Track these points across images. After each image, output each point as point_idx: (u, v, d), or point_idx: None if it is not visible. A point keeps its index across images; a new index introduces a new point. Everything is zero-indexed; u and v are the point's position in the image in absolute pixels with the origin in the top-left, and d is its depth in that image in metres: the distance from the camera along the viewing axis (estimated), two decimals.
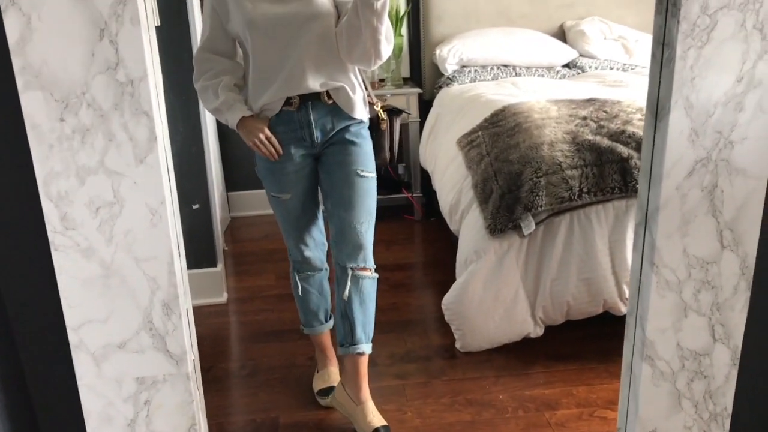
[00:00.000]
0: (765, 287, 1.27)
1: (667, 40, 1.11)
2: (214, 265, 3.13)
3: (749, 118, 1.14)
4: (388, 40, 1.91)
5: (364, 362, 2.19)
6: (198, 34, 2.92)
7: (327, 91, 1.99)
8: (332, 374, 2.39)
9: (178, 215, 1.16)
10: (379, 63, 1.97)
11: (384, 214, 3.98)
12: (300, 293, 2.33)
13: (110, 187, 1.07)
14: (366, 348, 2.17)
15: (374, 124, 2.18)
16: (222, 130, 3.93)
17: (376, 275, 2.17)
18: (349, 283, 2.11)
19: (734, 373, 1.28)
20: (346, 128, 2.06)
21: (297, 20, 1.91)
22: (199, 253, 3.06)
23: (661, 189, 1.16)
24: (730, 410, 1.31)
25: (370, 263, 2.14)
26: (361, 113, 2.08)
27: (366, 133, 2.12)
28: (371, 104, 2.17)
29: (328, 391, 2.33)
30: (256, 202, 4.18)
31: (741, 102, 1.13)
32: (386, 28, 1.87)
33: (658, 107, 1.15)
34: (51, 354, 1.20)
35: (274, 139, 1.99)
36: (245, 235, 3.97)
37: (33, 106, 1.02)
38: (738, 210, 1.18)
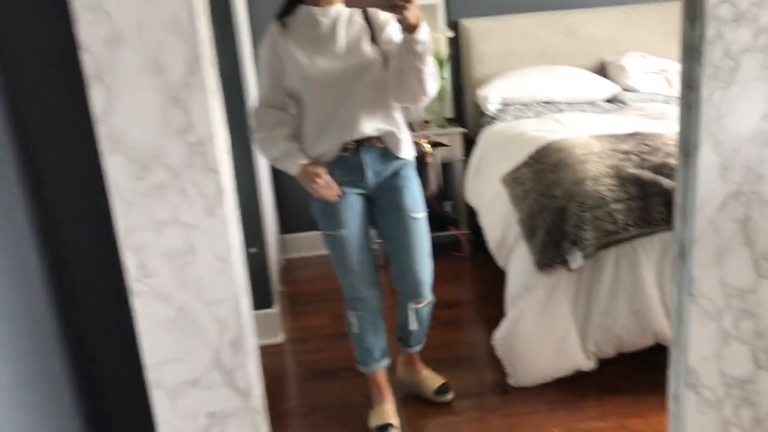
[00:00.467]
0: None
1: (693, 84, 1.18)
2: (270, 306, 3.25)
3: None
4: (433, 78, 2.07)
5: (416, 353, 2.64)
6: (249, 91, 3.10)
7: (380, 137, 2.18)
8: (388, 411, 2.46)
9: (243, 263, 1.27)
10: (426, 100, 2.12)
11: (432, 251, 4.06)
12: (355, 331, 2.44)
13: (183, 239, 1.18)
14: (417, 348, 2.62)
15: (420, 159, 2.37)
16: (276, 176, 4.09)
17: (433, 299, 2.50)
18: (411, 315, 2.46)
19: None
20: (396, 172, 2.25)
21: (350, 72, 2.09)
22: (255, 295, 3.14)
23: (695, 223, 1.22)
24: None
25: (427, 295, 2.44)
26: (408, 152, 2.26)
27: (413, 173, 2.30)
28: (417, 143, 2.36)
29: (384, 428, 2.39)
30: (310, 244, 4.30)
31: None
32: (430, 68, 2.03)
33: (687, 146, 1.22)
34: (131, 391, 1.31)
35: (333, 183, 2.15)
36: (299, 275, 4.09)
37: (115, 167, 1.15)
38: None
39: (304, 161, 2.13)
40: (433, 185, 2.42)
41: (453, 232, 4.08)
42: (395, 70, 2.04)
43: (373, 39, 2.12)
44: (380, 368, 2.50)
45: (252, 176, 3.10)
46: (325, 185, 2.13)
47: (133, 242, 1.18)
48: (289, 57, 2.09)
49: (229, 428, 1.28)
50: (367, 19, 2.12)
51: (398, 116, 2.21)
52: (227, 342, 1.24)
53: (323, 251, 4.45)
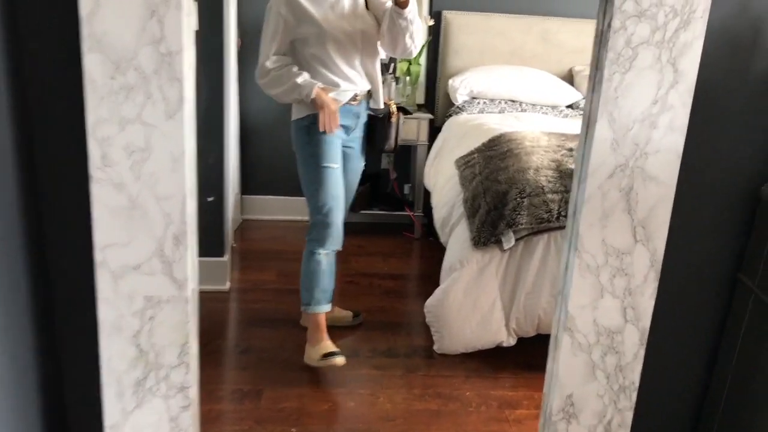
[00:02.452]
0: (671, 279, 1.55)
1: (599, 66, 1.40)
2: (222, 255, 3.42)
3: (661, 135, 1.42)
4: (420, 32, 2.59)
5: None
6: (231, 40, 3.28)
7: (370, 91, 2.67)
8: (330, 344, 2.71)
9: (194, 167, 1.45)
10: (417, 51, 2.64)
11: (386, 229, 4.29)
12: (323, 268, 2.68)
13: (143, 136, 1.37)
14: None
15: (386, 116, 2.76)
16: (244, 136, 4.26)
17: None
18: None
19: (642, 352, 1.54)
20: (363, 125, 2.72)
21: (357, 34, 2.54)
22: (209, 242, 3.36)
23: (586, 186, 1.44)
24: (637, 384, 1.57)
25: None
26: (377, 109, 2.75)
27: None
28: (386, 103, 2.78)
29: (332, 354, 2.65)
30: (268, 207, 4.48)
31: (655, 121, 1.41)
32: (417, 26, 2.53)
33: (589, 119, 1.44)
34: (77, 268, 1.49)
35: (338, 117, 2.51)
36: (254, 235, 4.28)
37: (92, 65, 1.33)
38: (649, 211, 1.46)
39: (321, 85, 2.49)
40: (392, 141, 2.77)
41: (408, 213, 4.29)
42: (390, 32, 2.52)
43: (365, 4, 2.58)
44: (328, 309, 2.76)
45: (221, 129, 3.27)
46: (334, 114, 2.48)
47: (99, 134, 1.37)
48: (302, 11, 2.45)
49: (162, 312, 1.47)
50: None
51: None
52: (170, 235, 1.43)
53: (279, 216, 4.66)
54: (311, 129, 2.54)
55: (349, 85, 2.57)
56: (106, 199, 1.40)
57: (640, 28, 1.36)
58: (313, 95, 2.45)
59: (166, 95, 1.35)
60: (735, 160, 1.53)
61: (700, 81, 1.41)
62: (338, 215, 2.63)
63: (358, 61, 2.58)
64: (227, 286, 3.46)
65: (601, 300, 1.51)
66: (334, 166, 2.58)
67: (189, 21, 1.37)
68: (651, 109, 1.41)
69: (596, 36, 1.42)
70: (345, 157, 2.69)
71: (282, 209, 4.45)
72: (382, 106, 2.71)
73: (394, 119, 2.74)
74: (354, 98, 2.61)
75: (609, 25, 1.36)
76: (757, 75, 1.51)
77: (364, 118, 2.71)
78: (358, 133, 2.72)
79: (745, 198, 1.56)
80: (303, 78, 2.46)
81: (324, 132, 2.50)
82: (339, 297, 3.12)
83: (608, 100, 1.39)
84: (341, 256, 2.82)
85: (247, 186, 4.48)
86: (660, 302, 1.53)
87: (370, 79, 2.65)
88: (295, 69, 2.49)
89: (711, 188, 1.55)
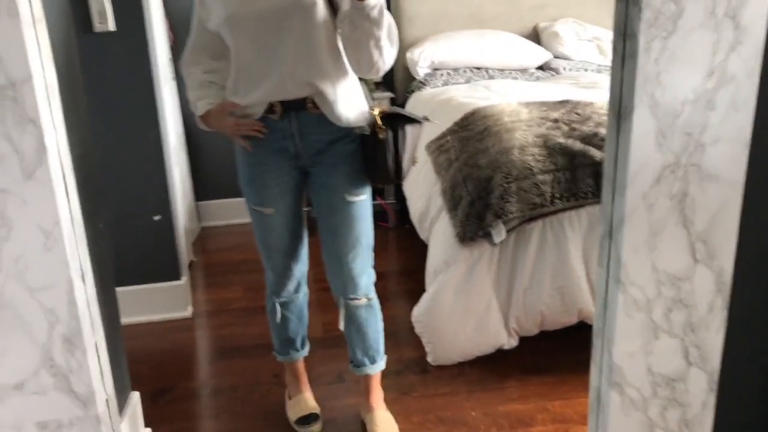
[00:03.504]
0: (743, 305, 1.13)
1: (629, 31, 0.97)
2: (178, 278, 2.97)
3: (722, 118, 1.00)
4: (392, 42, 1.68)
5: (369, 379, 2.15)
6: (156, 38, 2.78)
7: (313, 99, 1.75)
8: (308, 401, 2.19)
9: (81, 236, 1.00)
10: (387, 69, 1.73)
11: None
12: (278, 319, 2.11)
13: None
14: (369, 370, 2.12)
15: (373, 134, 1.81)
16: (190, 138, 3.76)
17: (372, 299, 2.06)
18: (343, 311, 2.03)
19: (712, 399, 1.14)
20: (333, 143, 1.81)
21: (279, 14, 1.66)
22: (161, 266, 2.91)
23: (626, 198, 1.02)
24: None
25: (362, 292, 2.01)
26: (349, 121, 1.79)
27: (354, 146, 1.84)
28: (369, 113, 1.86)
29: (307, 419, 2.13)
30: (228, 212, 4.03)
31: (712, 99, 0.99)
32: (388, 31, 1.65)
33: (620, 106, 1.01)
34: None
35: (247, 120, 1.76)
36: (215, 245, 3.81)
37: None
38: (711, 220, 1.04)
39: (209, 106, 1.80)
40: (390, 168, 1.84)
41: (379, 201, 3.86)
42: (350, 39, 1.66)
43: None
44: (300, 358, 2.22)
45: (158, 135, 2.78)
46: (246, 124, 1.75)
47: None
48: None
49: None
50: None
51: (339, 73, 1.76)
52: (59, 337, 0.98)
53: (240, 219, 4.15)
54: (241, 154, 1.87)
55: (252, 97, 1.76)
56: None
57: None
58: (200, 112, 1.81)
59: (17, 146, 0.89)
60: None
61: None
62: (280, 263, 2.00)
63: (280, 56, 1.70)
64: (189, 311, 3.00)
65: (655, 342, 1.10)
66: (266, 210, 1.89)
67: (39, 31, 0.91)
68: (705, 83, 0.98)
69: None
70: (316, 192, 1.91)
71: (243, 211, 3.97)
72: (340, 122, 1.77)
73: (381, 136, 1.78)
74: (271, 110, 1.76)
75: None
76: None
77: (319, 136, 1.80)
78: (325, 156, 1.83)
79: None
80: (197, 94, 1.83)
81: (253, 154, 1.81)
82: (310, 306, 2.54)
83: (648, 79, 0.96)
84: (312, 259, 2.16)
85: (202, 191, 3.99)
86: (732, 336, 1.12)
87: (310, 84, 1.73)
88: (198, 77, 1.84)
89: None
